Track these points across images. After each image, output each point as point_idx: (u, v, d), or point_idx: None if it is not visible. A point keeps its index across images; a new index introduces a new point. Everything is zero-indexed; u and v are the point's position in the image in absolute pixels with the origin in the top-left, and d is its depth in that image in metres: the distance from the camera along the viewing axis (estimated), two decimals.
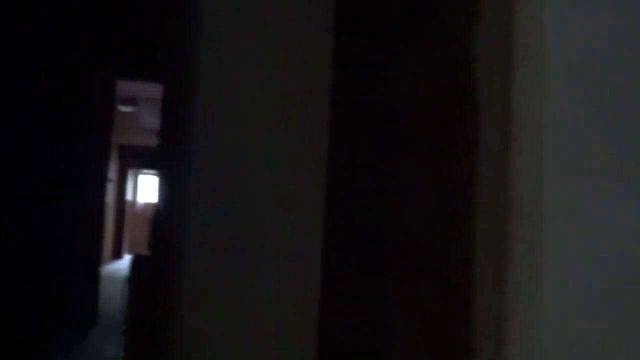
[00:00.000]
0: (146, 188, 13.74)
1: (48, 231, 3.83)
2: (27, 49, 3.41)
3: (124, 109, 6.37)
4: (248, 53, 1.46)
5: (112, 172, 10.49)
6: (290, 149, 1.44)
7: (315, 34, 1.49)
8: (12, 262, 3.46)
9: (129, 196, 12.03)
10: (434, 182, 1.25)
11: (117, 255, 11.32)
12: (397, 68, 1.42)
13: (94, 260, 5.40)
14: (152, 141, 10.35)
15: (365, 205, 1.53)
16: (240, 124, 1.44)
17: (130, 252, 12.18)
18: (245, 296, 1.36)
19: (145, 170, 12.42)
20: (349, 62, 1.53)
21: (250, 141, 1.43)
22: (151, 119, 8.02)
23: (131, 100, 6.18)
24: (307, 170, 1.44)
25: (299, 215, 1.40)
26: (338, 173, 1.50)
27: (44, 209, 3.74)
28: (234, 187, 1.38)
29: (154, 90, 6.14)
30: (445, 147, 1.15)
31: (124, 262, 10.81)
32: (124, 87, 5.85)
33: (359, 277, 1.54)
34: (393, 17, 1.46)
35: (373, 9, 1.53)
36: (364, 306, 1.51)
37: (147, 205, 13.40)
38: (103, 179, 5.31)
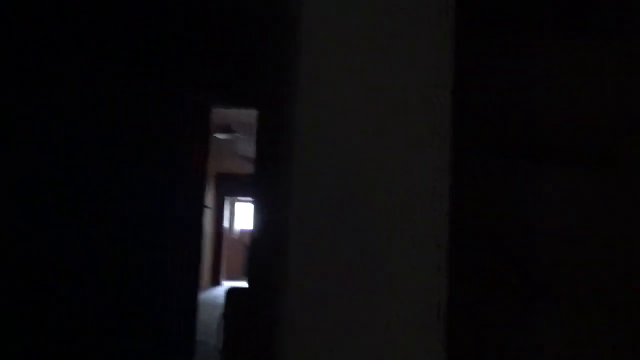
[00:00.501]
0: (243, 215, 13.96)
1: (148, 259, 3.83)
2: (124, 79, 3.45)
3: (220, 136, 6.43)
4: (353, 72, 1.28)
5: (209, 200, 10.72)
6: (404, 166, 1.23)
7: (432, 43, 1.28)
8: (114, 291, 3.47)
9: (225, 223, 12.24)
10: (594, 200, 0.99)
11: (215, 282, 11.50)
12: (542, 67, 1.18)
13: (193, 288, 5.41)
14: (249, 168, 10.49)
15: (494, 223, 1.28)
16: (346, 144, 1.25)
17: (227, 278, 12.35)
18: (364, 335, 1.15)
19: (242, 198, 12.61)
20: (472, 62, 1.31)
21: (358, 163, 1.23)
22: (247, 146, 8.09)
23: (227, 128, 6.22)
24: (425, 191, 1.22)
25: (420, 241, 1.18)
26: (461, 187, 1.28)
27: (145, 237, 3.76)
28: (345, 210, 1.18)
29: (250, 117, 6.16)
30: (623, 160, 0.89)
31: (222, 289, 10.95)
32: (220, 115, 5.91)
33: (489, 308, 1.29)
34: (540, 11, 1.23)
35: (502, 4, 1.30)
36: (497, 340, 1.26)
37: (243, 232, 13.60)
38: (200, 206, 5.33)
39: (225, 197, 11.60)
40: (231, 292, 2.20)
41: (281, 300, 1.25)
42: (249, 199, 11.87)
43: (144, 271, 3.81)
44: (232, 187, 11.28)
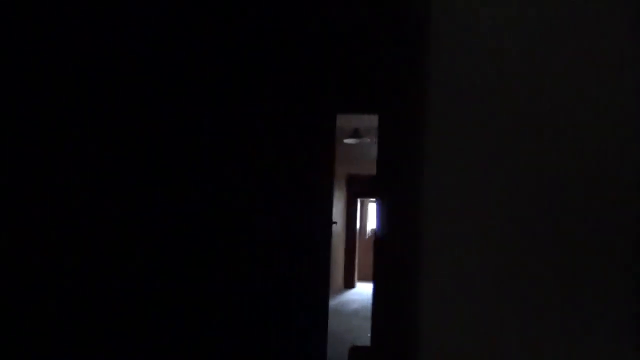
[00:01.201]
0: (375, 216, 13.84)
1: (276, 265, 3.83)
2: (255, 91, 3.46)
3: (349, 141, 6.34)
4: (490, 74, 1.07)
5: (341, 202, 10.72)
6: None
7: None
8: (239, 300, 3.49)
9: (357, 224, 12.19)
10: None
11: (349, 284, 11.49)
12: None
13: (322, 294, 5.36)
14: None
15: None
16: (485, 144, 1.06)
17: (360, 280, 12.30)
18: None
19: (373, 199, 12.48)
20: None
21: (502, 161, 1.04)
22: (375, 149, 7.95)
23: (355, 133, 6.11)
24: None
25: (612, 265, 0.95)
26: None
27: (272, 244, 3.76)
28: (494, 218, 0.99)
29: (375, 122, 6.01)
30: None
31: (357, 292, 10.90)
32: (347, 121, 5.81)
33: None
34: None
35: None
36: None
37: (374, 231, 13.49)
38: (328, 211, 5.28)
39: (357, 199, 11.56)
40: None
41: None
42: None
43: (270, 280, 3.81)
44: (363, 188, 11.22)
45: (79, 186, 2.81)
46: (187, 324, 3.44)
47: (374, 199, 12.48)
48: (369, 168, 10.21)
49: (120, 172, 3.09)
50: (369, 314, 7.61)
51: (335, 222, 5.52)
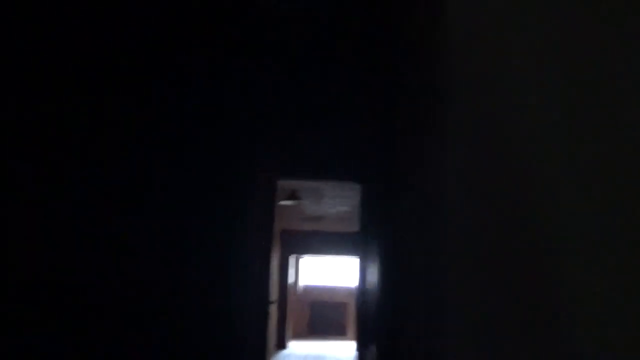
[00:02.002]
0: (308, 271, 13.75)
1: (212, 328, 3.66)
2: (198, 152, 3.40)
3: (285, 203, 6.31)
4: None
5: (274, 259, 10.57)
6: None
7: None
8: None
9: (290, 280, 12.04)
10: None
11: (280, 344, 11.19)
12: None
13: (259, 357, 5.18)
14: (310, 226, 10.31)
15: None
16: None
17: (293, 338, 12.05)
18: None
19: (306, 254, 12.40)
20: None
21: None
22: (311, 208, 7.95)
23: (292, 195, 6.11)
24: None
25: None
26: None
27: (205, 308, 3.60)
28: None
29: (313, 184, 6.03)
30: None
31: (290, 354, 10.60)
32: (286, 184, 5.79)
33: None
34: None
35: None
36: None
37: (308, 288, 13.34)
38: (265, 271, 5.19)
39: (290, 255, 11.45)
40: None
41: None
42: (316, 254, 11.64)
43: (206, 343, 3.64)
44: (297, 243, 11.13)
45: None
46: None
47: (308, 254, 12.40)
48: (304, 224, 10.17)
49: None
50: None
51: (273, 302, 5.42)
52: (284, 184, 5.58)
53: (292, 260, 11.96)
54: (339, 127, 3.73)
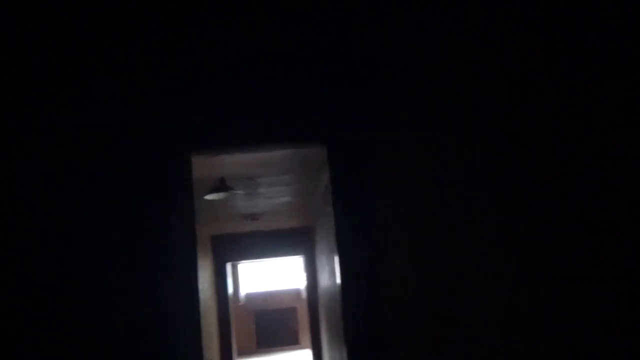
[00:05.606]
0: (248, 279, 12.53)
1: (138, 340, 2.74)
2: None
3: (211, 197, 5.02)
4: None
5: (206, 270, 9.32)
6: None
7: None
8: None
9: (229, 290, 10.79)
10: None
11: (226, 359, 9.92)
12: None
13: None
14: (245, 227, 9.12)
15: None
16: None
17: (240, 355, 10.79)
18: None
19: (244, 260, 11.18)
20: None
21: None
22: (244, 203, 6.72)
23: (221, 184, 4.80)
24: None
25: None
26: None
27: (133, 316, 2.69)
28: None
29: (250, 167, 4.80)
30: None
31: None
32: (208, 169, 4.55)
33: None
34: None
35: None
36: None
37: (251, 296, 12.10)
38: (194, 276, 4.06)
39: (226, 263, 10.19)
40: None
41: None
42: (254, 259, 10.41)
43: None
44: (232, 249, 9.89)
45: None
46: None
47: (246, 260, 11.17)
48: (238, 225, 8.95)
49: None
50: None
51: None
52: (204, 162, 4.32)
53: (228, 268, 10.71)
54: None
